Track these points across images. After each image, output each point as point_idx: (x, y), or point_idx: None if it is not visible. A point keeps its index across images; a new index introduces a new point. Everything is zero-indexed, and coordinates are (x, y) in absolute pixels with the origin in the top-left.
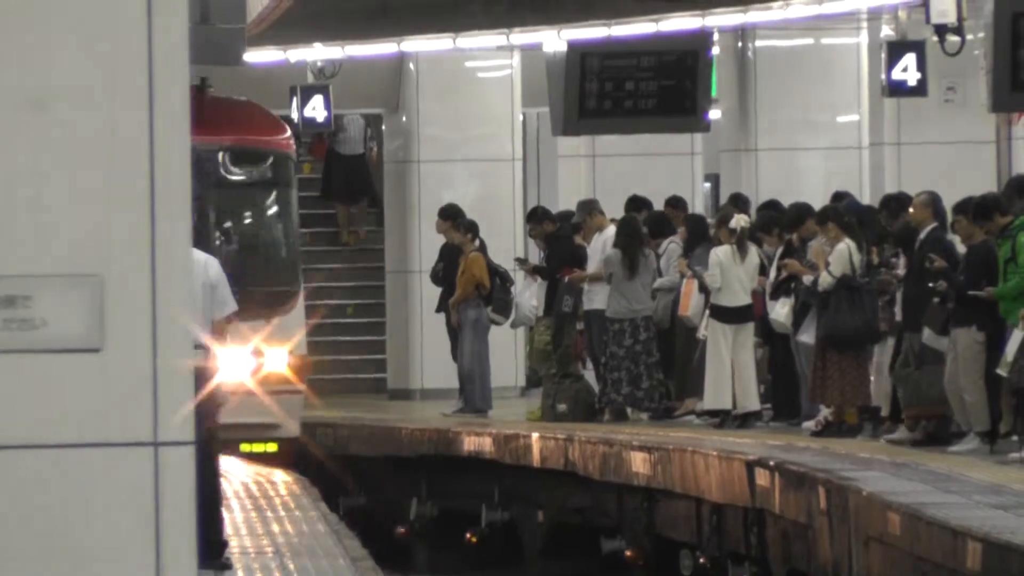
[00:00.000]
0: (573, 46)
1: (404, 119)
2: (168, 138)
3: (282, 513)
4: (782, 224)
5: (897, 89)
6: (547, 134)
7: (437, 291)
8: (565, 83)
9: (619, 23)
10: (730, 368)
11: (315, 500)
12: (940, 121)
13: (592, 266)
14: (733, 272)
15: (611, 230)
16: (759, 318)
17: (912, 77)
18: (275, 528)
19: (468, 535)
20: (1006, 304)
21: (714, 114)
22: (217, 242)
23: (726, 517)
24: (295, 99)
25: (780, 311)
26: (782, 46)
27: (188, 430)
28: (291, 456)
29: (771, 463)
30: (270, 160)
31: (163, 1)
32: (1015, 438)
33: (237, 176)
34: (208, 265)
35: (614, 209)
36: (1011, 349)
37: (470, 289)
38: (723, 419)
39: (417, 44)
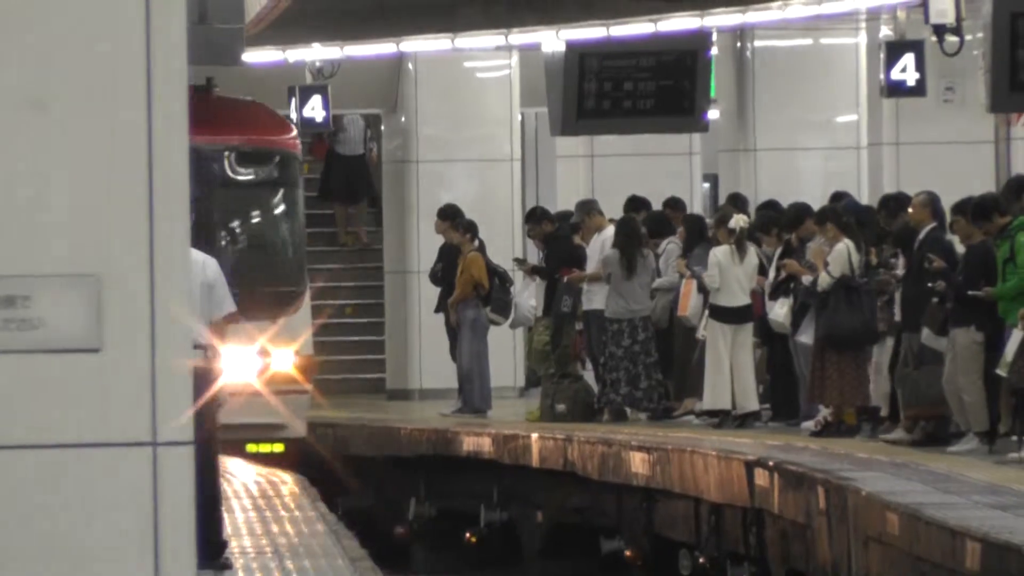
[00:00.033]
0: (572, 46)
1: (403, 119)
2: (167, 138)
3: (281, 513)
4: (781, 224)
5: (896, 89)
6: (546, 134)
7: (436, 291)
8: (564, 83)
9: (618, 23)
10: (729, 368)
11: (314, 500)
12: (939, 121)
13: (591, 266)
14: (732, 272)
15: (610, 230)
16: (758, 318)
17: (911, 77)
18: (274, 528)
19: (467, 535)
20: (1005, 304)
21: (713, 114)
22: (223, 242)
23: (725, 517)
24: (294, 99)
25: (779, 311)
26: (781, 46)
27: (187, 430)
28: (298, 457)
29: (770, 463)
30: (276, 160)
31: (161, 1)
32: (1014, 438)
33: (243, 176)
34: (206, 265)
35: (613, 209)
36: (1010, 349)
37: (469, 289)
38: (722, 419)
39: (416, 44)
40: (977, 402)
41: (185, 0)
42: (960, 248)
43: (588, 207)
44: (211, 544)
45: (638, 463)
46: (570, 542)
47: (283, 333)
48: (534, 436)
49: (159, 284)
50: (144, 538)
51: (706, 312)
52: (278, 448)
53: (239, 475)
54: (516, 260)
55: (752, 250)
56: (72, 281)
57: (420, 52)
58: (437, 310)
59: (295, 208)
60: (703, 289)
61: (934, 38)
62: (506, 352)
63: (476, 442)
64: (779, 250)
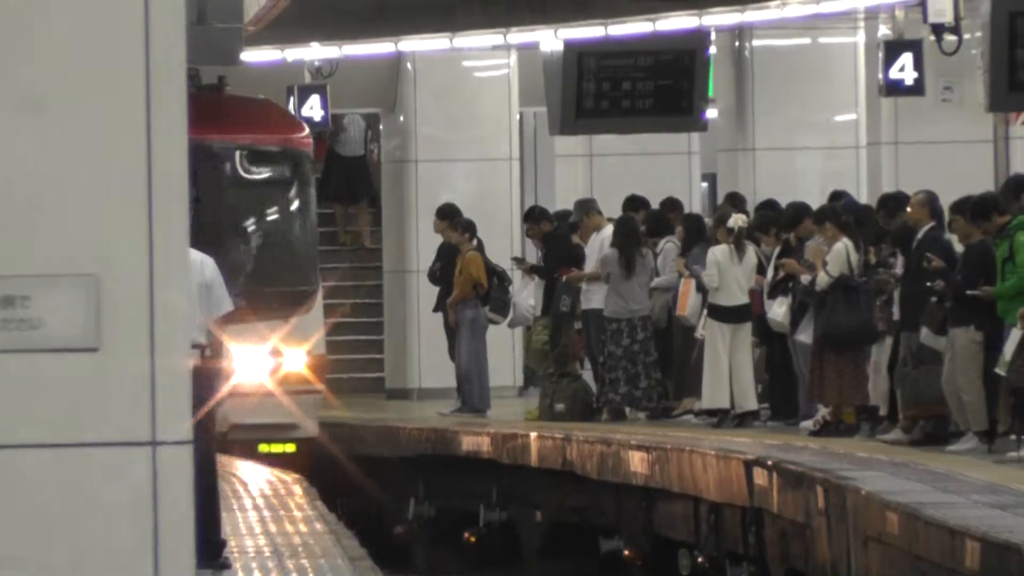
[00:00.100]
0: (570, 46)
1: (401, 119)
2: (165, 138)
3: (281, 513)
4: (779, 223)
5: (894, 88)
6: (544, 133)
7: (435, 291)
8: (562, 83)
9: (616, 23)
10: (728, 368)
11: (313, 500)
12: (937, 120)
13: (590, 266)
14: (731, 272)
15: (608, 230)
16: (757, 318)
17: (909, 76)
18: (273, 528)
19: (466, 535)
20: (1004, 303)
21: (711, 114)
22: (235, 241)
23: (724, 517)
24: (292, 99)
25: (778, 311)
26: (779, 45)
27: (186, 429)
28: (310, 457)
29: (769, 463)
30: (288, 159)
31: (160, 1)
32: (1013, 437)
33: (255, 175)
34: (204, 265)
35: (611, 209)
36: (1009, 348)
37: (468, 289)
38: (721, 419)
39: (414, 44)
40: (976, 401)
41: (184, 0)
42: (959, 247)
43: (587, 206)
44: (210, 544)
45: (637, 462)
46: (569, 542)
47: (295, 333)
48: (533, 436)
49: (158, 284)
50: (143, 538)
51: (705, 311)
52: (290, 448)
53: (238, 474)
54: (515, 259)
55: (751, 249)
56: (71, 281)
57: (419, 51)
58: (436, 309)
59: (307, 207)
60: (702, 288)
61: (932, 37)
62: (505, 351)
63: (475, 442)
64: (778, 249)
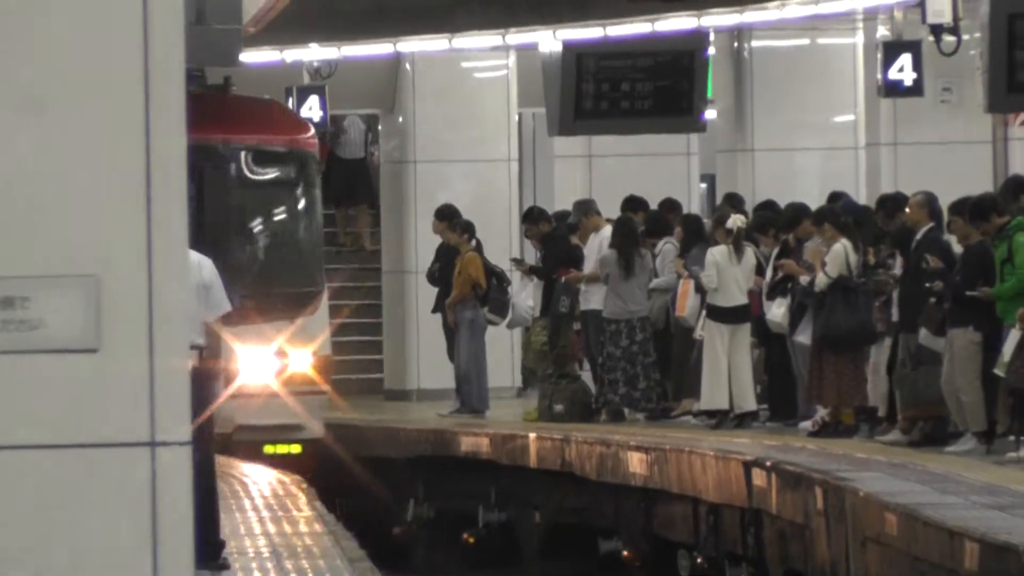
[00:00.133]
0: (569, 46)
1: (400, 119)
2: (165, 139)
3: (280, 514)
4: (778, 224)
5: (893, 89)
6: (543, 134)
7: (433, 291)
8: (561, 83)
9: (615, 23)
10: (727, 368)
11: (312, 500)
12: (936, 121)
13: (588, 266)
14: (729, 272)
15: (607, 230)
16: (755, 318)
17: (908, 77)
18: (272, 529)
19: (465, 536)
20: (1003, 304)
21: (710, 114)
22: (240, 242)
23: (723, 517)
24: (291, 100)
25: (776, 311)
26: (778, 46)
27: (185, 430)
28: (315, 458)
29: (768, 463)
30: (294, 159)
31: (159, 2)
32: (1012, 438)
33: (260, 176)
34: (202, 266)
35: (610, 209)
36: (1008, 349)
37: (467, 289)
38: (720, 419)
39: (413, 44)
40: (975, 402)
41: (183, 1)
42: (958, 248)
43: (585, 207)
44: (209, 544)
45: (636, 463)
46: (568, 542)
47: (301, 333)
48: (532, 436)
49: (157, 285)
50: (142, 538)
51: (703, 312)
52: (295, 450)
53: (237, 475)
54: (513, 260)
55: (750, 250)
56: (71, 282)
57: (417, 52)
58: (435, 310)
59: (313, 207)
60: (700, 289)
61: (931, 38)
62: (504, 352)
63: (474, 443)
64: (776, 250)
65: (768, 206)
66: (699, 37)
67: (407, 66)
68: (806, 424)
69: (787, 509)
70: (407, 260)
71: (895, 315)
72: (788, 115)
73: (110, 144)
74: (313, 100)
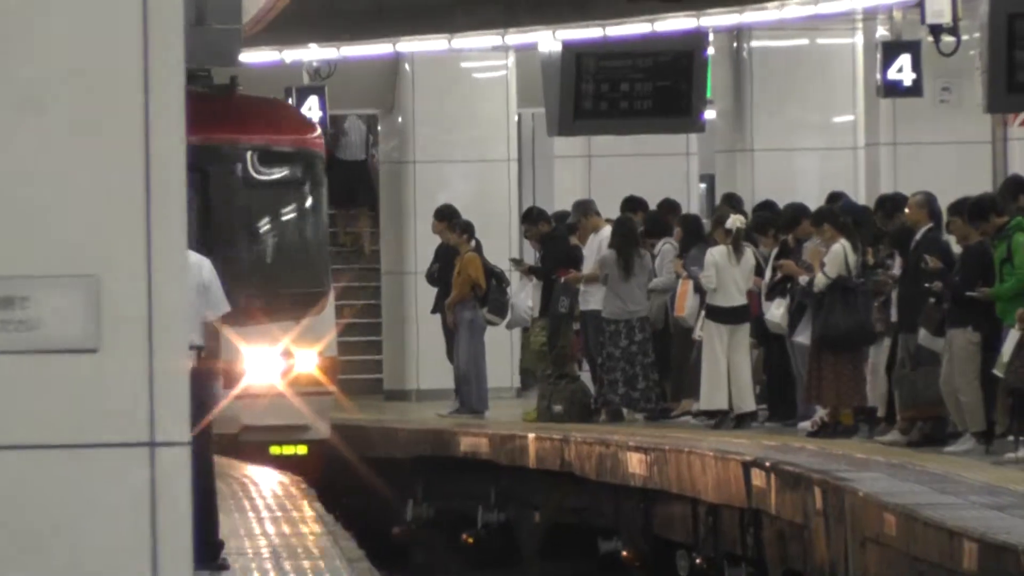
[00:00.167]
0: (568, 47)
1: (399, 120)
2: (164, 139)
3: (279, 514)
4: (778, 225)
5: (892, 89)
6: (543, 135)
7: (433, 292)
8: (560, 84)
9: (614, 24)
10: (726, 369)
11: (311, 500)
12: (936, 121)
13: (588, 267)
14: (729, 273)
15: (607, 231)
16: (755, 319)
17: (907, 77)
18: (271, 529)
19: (465, 536)
20: (1002, 305)
21: (710, 115)
22: (247, 243)
23: (722, 518)
24: (290, 100)
25: (776, 312)
26: (778, 46)
27: (184, 430)
28: (321, 459)
29: (767, 464)
30: (300, 159)
31: (159, 2)
32: (1011, 438)
33: (266, 176)
34: (201, 266)
35: (610, 210)
36: (1007, 350)
37: (466, 290)
38: (719, 420)
39: (412, 45)
40: (974, 402)
41: (182, 1)
42: (957, 248)
43: (585, 207)
44: (208, 545)
45: (635, 464)
46: (568, 543)
47: (307, 334)
48: (531, 437)
49: (157, 285)
50: (142, 539)
51: (703, 313)
52: (301, 450)
53: (236, 476)
54: (513, 260)
55: (749, 250)
56: (70, 282)
57: (417, 52)
58: (434, 311)
59: (319, 207)
60: (700, 290)
61: (930, 38)
62: (503, 353)
63: (473, 443)
64: (776, 250)
65: (767, 206)
66: (698, 37)
67: (407, 66)
68: (805, 424)
69: (786, 509)
70: (407, 261)
71: (894, 315)
72: (787, 115)
73: (110, 144)
74: (312, 100)
